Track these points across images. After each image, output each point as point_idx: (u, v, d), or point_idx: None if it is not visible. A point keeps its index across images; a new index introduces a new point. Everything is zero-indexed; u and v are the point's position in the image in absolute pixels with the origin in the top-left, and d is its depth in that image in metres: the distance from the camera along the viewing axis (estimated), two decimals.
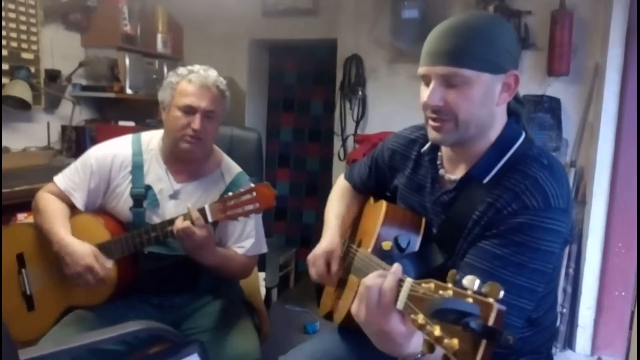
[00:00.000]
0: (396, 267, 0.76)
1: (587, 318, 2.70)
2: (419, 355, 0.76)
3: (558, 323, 2.69)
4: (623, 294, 2.64)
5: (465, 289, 0.63)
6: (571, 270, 2.71)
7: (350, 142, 3.25)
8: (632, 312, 2.60)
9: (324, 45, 3.46)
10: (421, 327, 0.65)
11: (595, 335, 2.70)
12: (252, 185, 1.36)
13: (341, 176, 1.51)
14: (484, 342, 0.57)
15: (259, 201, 1.33)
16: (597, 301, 2.69)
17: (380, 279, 0.76)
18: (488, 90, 0.99)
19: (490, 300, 0.59)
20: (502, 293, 0.60)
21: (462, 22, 0.99)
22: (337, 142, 3.32)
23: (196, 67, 1.51)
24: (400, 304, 0.70)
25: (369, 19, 3.15)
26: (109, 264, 1.42)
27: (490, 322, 0.58)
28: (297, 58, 4.02)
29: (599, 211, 2.65)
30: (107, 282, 1.42)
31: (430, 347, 0.63)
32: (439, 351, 0.63)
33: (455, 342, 0.59)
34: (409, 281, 0.71)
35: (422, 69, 1.02)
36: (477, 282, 0.62)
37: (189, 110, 1.46)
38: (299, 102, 4.09)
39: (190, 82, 1.47)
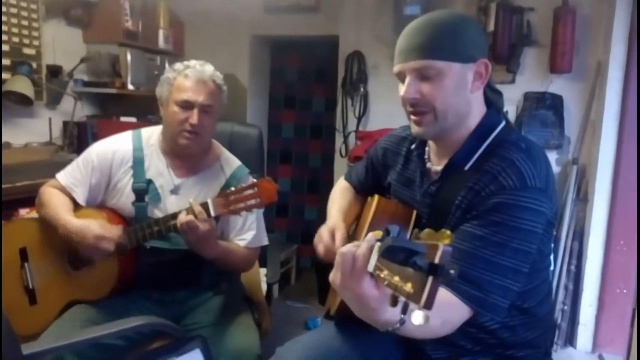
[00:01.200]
0: (370, 235, 0.80)
1: (588, 315, 2.70)
2: (397, 325, 0.80)
3: (559, 320, 2.69)
4: (624, 291, 2.64)
5: (421, 239, 0.69)
6: (573, 267, 2.70)
7: (352, 138, 3.25)
8: (634, 310, 2.59)
9: (326, 41, 3.46)
10: (384, 280, 0.69)
11: (597, 332, 2.70)
12: (254, 180, 1.37)
13: (341, 177, 1.54)
14: (430, 279, 0.62)
15: (261, 196, 1.34)
16: (599, 298, 2.69)
17: (355, 247, 0.80)
18: (460, 79, 1.04)
19: (437, 242, 0.65)
20: (450, 239, 0.66)
21: (429, 19, 1.05)
22: (338, 139, 3.32)
23: (192, 62, 1.52)
24: (370, 266, 0.74)
25: (370, 15, 3.15)
26: (119, 230, 1.42)
27: (436, 260, 0.63)
28: (299, 54, 4.02)
29: (600, 208, 2.64)
30: (124, 247, 1.41)
31: (394, 299, 0.68)
32: (410, 324, 0.67)
33: (409, 285, 0.64)
34: (378, 244, 0.75)
35: (396, 68, 1.08)
36: (435, 235, 0.68)
37: (186, 105, 1.47)
38: (301, 99, 4.09)
39: (186, 77, 1.48)
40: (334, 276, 0.82)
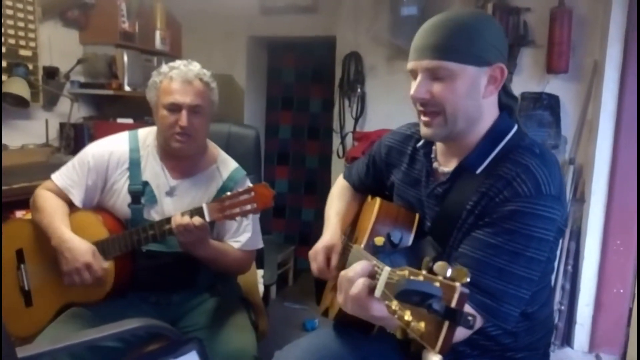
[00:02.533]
0: (364, 263, 0.81)
1: (585, 315, 2.70)
2: None
3: (556, 320, 2.69)
4: (621, 291, 2.64)
5: (436, 274, 0.65)
6: (570, 268, 2.71)
7: (349, 139, 3.25)
8: (630, 309, 2.60)
9: (323, 42, 3.46)
10: (394, 313, 0.67)
11: (594, 332, 2.70)
12: (250, 184, 1.36)
13: (340, 176, 1.52)
14: (446, 324, 0.59)
15: (257, 201, 1.33)
16: (596, 298, 2.69)
17: (356, 274, 0.80)
18: (473, 82, 1.02)
19: (455, 283, 0.61)
20: (468, 277, 0.62)
21: (447, 18, 1.03)
22: (336, 140, 3.32)
23: (177, 63, 1.50)
24: (378, 292, 0.73)
25: (368, 16, 3.15)
26: (106, 264, 1.42)
27: (453, 304, 0.60)
28: (296, 55, 4.02)
29: (597, 209, 2.65)
30: (103, 282, 1.42)
31: (403, 332, 0.65)
32: None
33: (422, 325, 0.61)
34: (386, 270, 0.73)
35: (410, 64, 1.06)
36: (449, 269, 0.65)
37: (174, 108, 1.45)
38: (298, 100, 4.09)
39: (172, 80, 1.46)
40: (343, 302, 0.82)
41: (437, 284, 0.62)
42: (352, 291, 0.78)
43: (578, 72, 2.74)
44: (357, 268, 0.80)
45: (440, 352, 0.59)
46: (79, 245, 1.40)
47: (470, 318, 0.59)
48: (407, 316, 0.64)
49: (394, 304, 0.67)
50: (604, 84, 2.59)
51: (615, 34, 2.55)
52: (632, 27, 2.50)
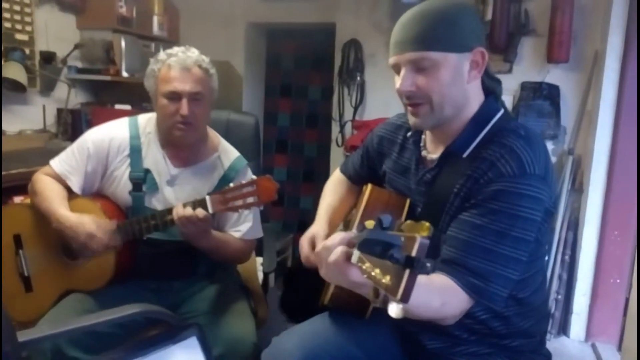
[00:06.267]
0: (341, 234, 0.83)
1: (582, 305, 2.72)
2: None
3: (553, 309, 2.71)
4: (618, 281, 2.66)
5: (402, 231, 0.69)
6: (567, 258, 2.72)
7: (348, 127, 3.24)
8: (627, 300, 2.62)
9: (322, 29, 3.43)
10: (365, 272, 0.69)
11: (590, 321, 2.72)
12: (253, 176, 1.35)
13: (337, 169, 1.54)
14: (407, 272, 0.62)
15: (260, 195, 1.31)
16: (592, 288, 2.71)
17: (332, 242, 0.82)
18: (456, 69, 1.04)
19: (415, 235, 0.64)
20: (430, 231, 0.66)
21: (423, 9, 1.04)
22: (335, 128, 3.31)
23: (175, 50, 1.47)
24: (354, 258, 0.75)
25: (368, 3, 3.13)
26: (112, 224, 1.40)
27: (413, 253, 0.62)
28: (295, 42, 3.99)
29: (595, 199, 2.66)
30: (113, 245, 1.40)
31: (375, 292, 0.68)
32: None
33: (387, 278, 0.64)
34: (361, 236, 0.76)
35: (392, 59, 1.08)
36: (414, 226, 0.68)
37: (174, 97, 1.43)
38: (297, 87, 4.07)
39: (170, 68, 1.44)
40: (325, 273, 0.84)
41: (399, 236, 0.66)
42: (330, 259, 0.80)
43: (578, 61, 2.73)
44: (336, 238, 0.82)
45: (401, 300, 0.61)
46: (78, 220, 1.39)
47: (428, 264, 0.62)
48: (376, 273, 0.66)
49: (366, 265, 0.69)
50: (604, 74, 2.58)
51: (616, 24, 2.54)
52: (633, 17, 2.48)
